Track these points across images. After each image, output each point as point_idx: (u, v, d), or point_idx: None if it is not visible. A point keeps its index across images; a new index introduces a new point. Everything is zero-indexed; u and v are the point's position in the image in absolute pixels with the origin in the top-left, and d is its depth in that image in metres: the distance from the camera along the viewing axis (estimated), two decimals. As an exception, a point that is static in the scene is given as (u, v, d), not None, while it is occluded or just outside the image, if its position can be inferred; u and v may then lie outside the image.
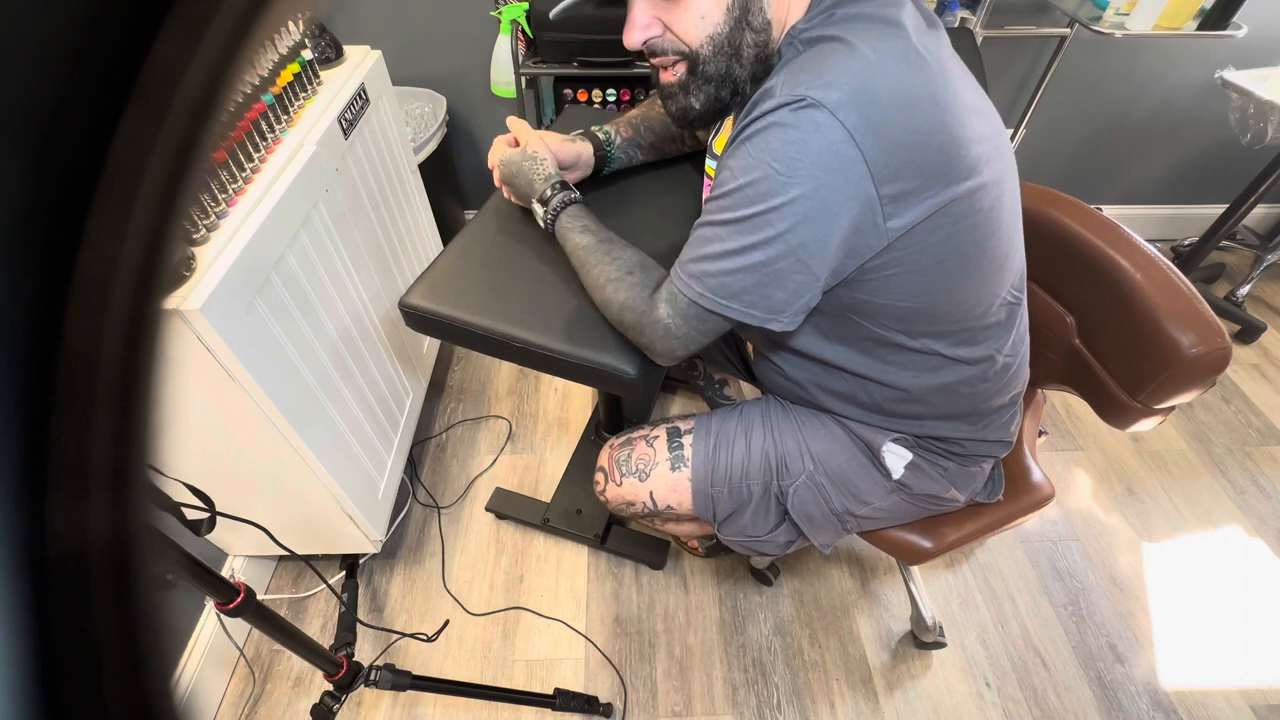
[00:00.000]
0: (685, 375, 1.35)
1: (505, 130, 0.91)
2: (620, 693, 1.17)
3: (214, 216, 0.82)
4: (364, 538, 1.17)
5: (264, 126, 0.94)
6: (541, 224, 0.83)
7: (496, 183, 0.91)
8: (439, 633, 1.22)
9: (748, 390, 1.39)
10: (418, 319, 0.83)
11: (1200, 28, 1.50)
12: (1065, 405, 1.67)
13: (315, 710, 0.89)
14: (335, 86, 1.10)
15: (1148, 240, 0.82)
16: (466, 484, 1.49)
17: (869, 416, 0.80)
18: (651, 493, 0.89)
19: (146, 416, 0.12)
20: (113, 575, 0.11)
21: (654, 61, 0.65)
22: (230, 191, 0.85)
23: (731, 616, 1.27)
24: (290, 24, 1.03)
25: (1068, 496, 1.48)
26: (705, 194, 0.82)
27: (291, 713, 1.14)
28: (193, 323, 0.72)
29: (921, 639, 1.20)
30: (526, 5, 1.48)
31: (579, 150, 0.90)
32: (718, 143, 0.78)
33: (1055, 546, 1.38)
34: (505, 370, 1.75)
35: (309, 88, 1.07)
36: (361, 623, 1.08)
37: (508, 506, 1.41)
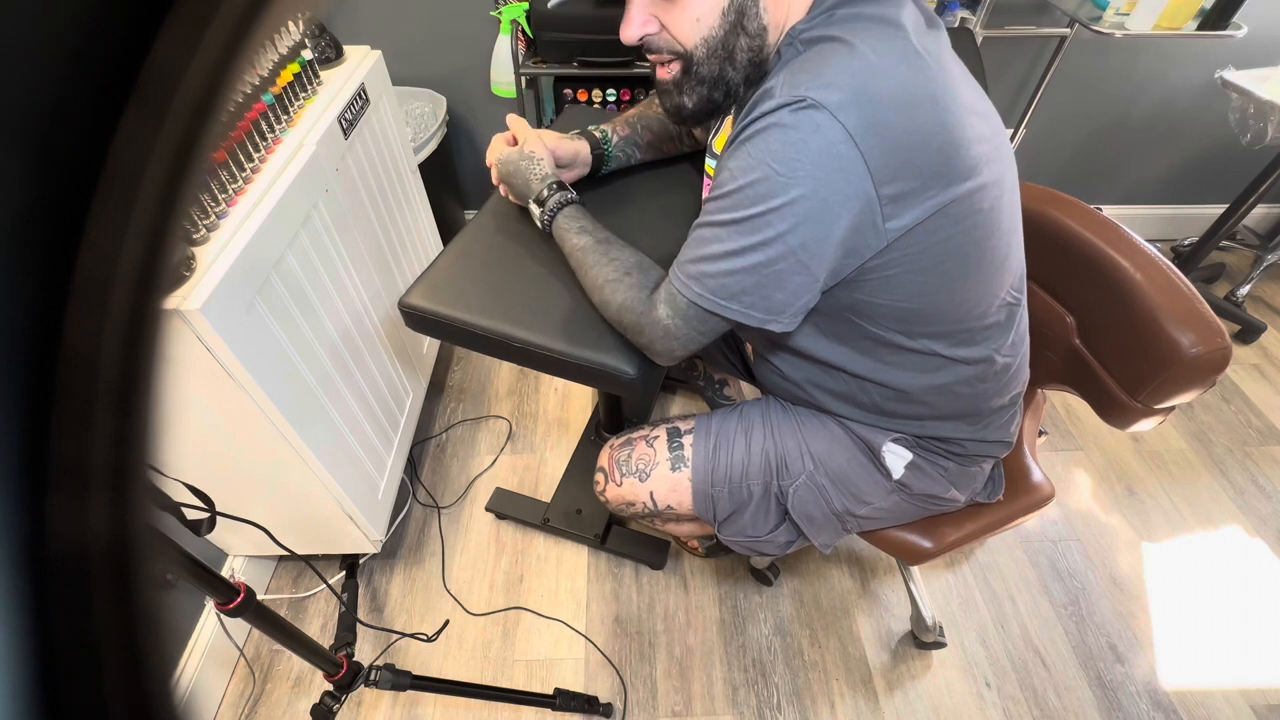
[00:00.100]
0: (685, 375, 1.35)
1: (505, 130, 0.91)
2: (620, 693, 1.17)
3: (214, 216, 0.82)
4: (364, 538, 1.17)
5: (264, 126, 0.94)
6: (539, 224, 0.83)
7: (494, 181, 0.91)
8: (439, 633, 1.22)
9: (748, 390, 1.39)
10: (418, 319, 0.83)
11: (1200, 28, 1.50)
12: (1065, 405, 1.67)
13: (315, 710, 0.89)
14: (335, 86, 1.10)
15: (1148, 240, 0.82)
16: (466, 484, 1.49)
17: (868, 417, 0.80)
18: (652, 493, 0.89)
19: (146, 416, 0.12)
20: (113, 575, 0.11)
21: (650, 58, 0.66)
22: (230, 191, 0.85)
23: (731, 616, 1.27)
24: (290, 24, 1.03)
25: (1068, 496, 1.48)
26: (705, 193, 0.82)
27: (291, 713, 1.14)
28: (193, 323, 0.72)
29: (921, 639, 1.20)
30: (526, 5, 1.48)
31: (577, 148, 0.90)
32: (717, 142, 0.78)
33: (1055, 546, 1.38)
34: (505, 370, 1.75)
35: (309, 88, 1.07)
36: (361, 623, 1.08)
37: (508, 506, 1.41)
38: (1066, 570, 1.34)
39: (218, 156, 0.84)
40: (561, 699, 1.09)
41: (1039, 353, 0.91)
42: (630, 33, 0.63)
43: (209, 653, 1.13)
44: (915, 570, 1.20)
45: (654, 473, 0.88)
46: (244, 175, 0.88)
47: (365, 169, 1.18)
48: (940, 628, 1.18)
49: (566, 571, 1.34)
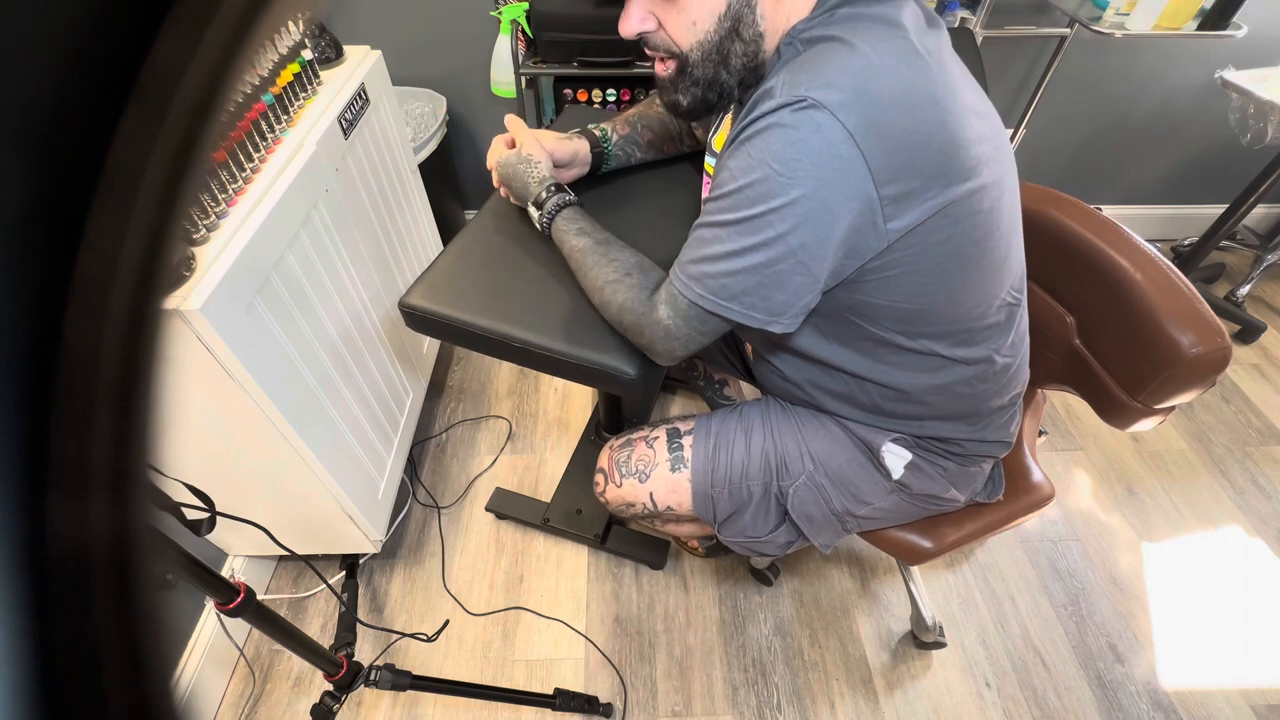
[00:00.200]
0: (685, 375, 1.35)
1: (505, 130, 0.91)
2: (620, 693, 1.17)
3: (214, 216, 0.82)
4: (364, 538, 1.17)
5: (264, 126, 0.94)
6: (538, 227, 0.83)
7: (495, 184, 0.91)
8: (439, 633, 1.22)
9: (748, 390, 1.39)
10: (418, 319, 0.83)
11: (1200, 28, 1.50)
12: (1065, 405, 1.67)
13: (315, 710, 0.89)
14: (335, 86, 1.10)
15: (1148, 240, 0.82)
16: (466, 484, 1.49)
17: (868, 417, 0.80)
18: (651, 494, 0.89)
19: (146, 416, 0.12)
20: (113, 575, 0.11)
21: (648, 52, 0.66)
22: (230, 191, 0.85)
23: (731, 616, 1.27)
24: (290, 24, 1.03)
25: (1068, 496, 1.48)
26: (705, 192, 0.82)
27: (291, 713, 1.14)
28: (193, 323, 0.72)
29: (921, 639, 1.20)
30: (526, 5, 1.48)
31: (576, 148, 0.90)
32: (717, 140, 0.78)
33: (1055, 546, 1.38)
34: (505, 370, 1.75)
35: (309, 88, 1.07)
36: (361, 623, 1.08)
37: (508, 506, 1.41)
38: (1066, 570, 1.34)
39: (218, 156, 0.84)
40: (561, 699, 1.09)
41: (1039, 353, 0.91)
42: (628, 27, 0.63)
43: (209, 653, 1.13)
44: (915, 570, 1.20)
45: (654, 474, 0.88)
46: (244, 175, 0.88)
47: (365, 169, 1.18)
48: (940, 628, 1.18)
49: (566, 571, 1.34)
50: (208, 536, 0.66)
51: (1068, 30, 1.63)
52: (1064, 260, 0.87)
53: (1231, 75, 1.60)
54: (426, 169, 1.55)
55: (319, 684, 0.98)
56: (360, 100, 1.14)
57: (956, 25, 1.58)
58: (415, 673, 0.95)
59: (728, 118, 0.77)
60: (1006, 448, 0.85)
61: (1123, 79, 1.81)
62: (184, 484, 0.63)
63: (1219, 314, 0.79)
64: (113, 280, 0.11)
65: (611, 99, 1.64)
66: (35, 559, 0.10)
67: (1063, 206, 0.88)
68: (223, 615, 0.71)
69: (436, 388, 1.68)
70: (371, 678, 0.91)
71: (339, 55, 1.18)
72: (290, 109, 1.01)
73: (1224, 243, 1.94)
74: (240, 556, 1.25)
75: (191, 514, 0.63)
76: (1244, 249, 2.05)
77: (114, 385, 0.11)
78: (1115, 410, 0.86)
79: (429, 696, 1.15)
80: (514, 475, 1.51)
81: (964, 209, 0.59)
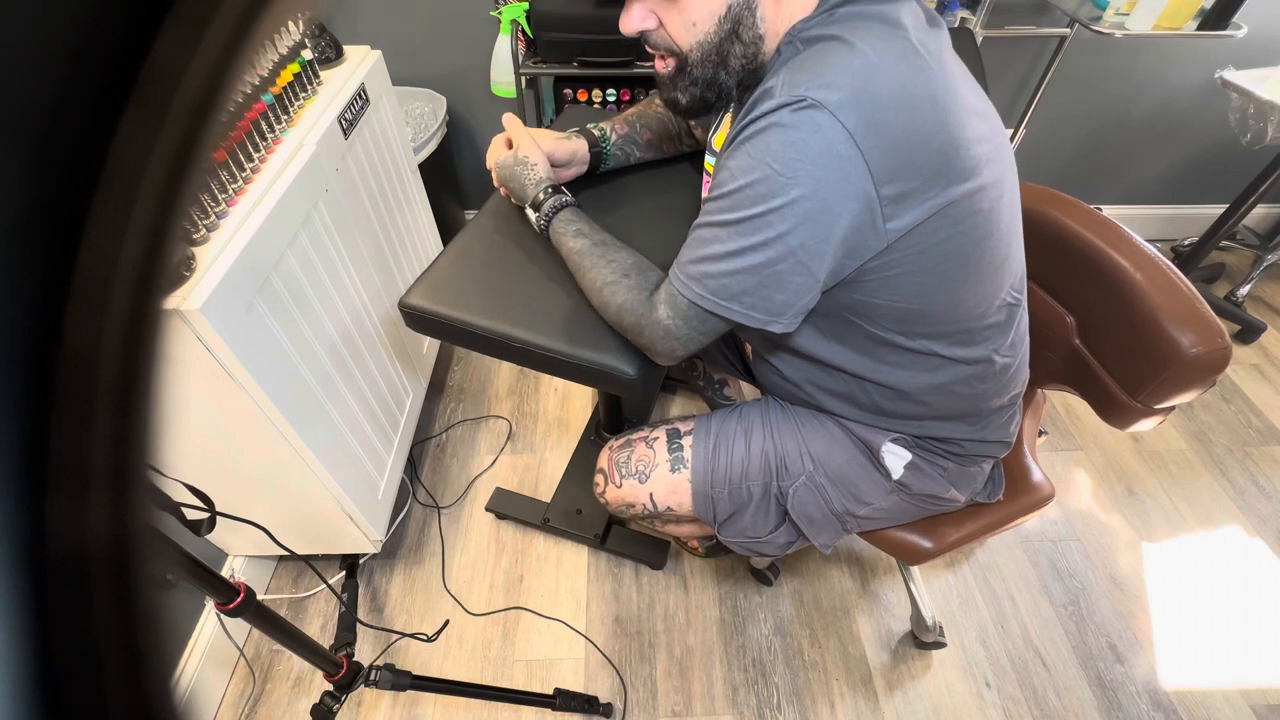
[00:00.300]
0: (685, 375, 1.35)
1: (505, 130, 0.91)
2: (620, 693, 1.17)
3: (214, 216, 0.82)
4: (364, 538, 1.17)
5: (264, 126, 0.94)
6: (536, 228, 0.83)
7: (495, 184, 0.91)
8: (439, 633, 1.22)
9: (748, 390, 1.39)
10: (418, 319, 0.83)
11: (1200, 28, 1.50)
12: (1065, 405, 1.67)
13: (315, 710, 0.89)
14: (335, 86, 1.10)
15: (1148, 240, 0.82)
16: (466, 484, 1.49)
17: (868, 417, 0.80)
18: (651, 494, 0.89)
19: (146, 416, 0.12)
20: (113, 575, 0.11)
21: (648, 49, 0.66)
22: (230, 191, 0.85)
23: (731, 616, 1.27)
24: (290, 24, 1.03)
25: (1068, 496, 1.48)
26: (704, 192, 0.82)
27: (291, 713, 1.14)
28: (193, 323, 0.72)
29: (921, 639, 1.20)
30: (526, 5, 1.48)
31: (574, 148, 0.90)
32: (717, 139, 0.78)
33: (1055, 546, 1.38)
34: (505, 370, 1.75)
35: (309, 88, 1.07)
36: (361, 623, 1.08)
37: (508, 506, 1.41)
38: (1066, 570, 1.34)
39: (218, 156, 0.84)
40: (561, 699, 1.09)
41: (1039, 353, 0.91)
42: (629, 24, 0.63)
43: (209, 653, 1.13)
44: (915, 570, 1.20)
45: (653, 474, 0.88)
46: (244, 175, 0.88)
47: (365, 169, 1.18)
48: (940, 628, 1.18)
49: (566, 571, 1.34)
50: (208, 536, 0.66)
51: (1068, 30, 1.63)
52: (1064, 260, 0.87)
53: (1231, 75, 1.60)
54: (426, 169, 1.55)
55: (319, 684, 0.98)
56: (360, 100, 1.14)
57: (956, 25, 1.58)
58: (415, 673, 0.95)
59: (728, 117, 0.77)
60: (1006, 448, 0.85)
61: (1123, 79, 1.81)
62: (184, 484, 0.63)
63: (1219, 314, 0.79)
64: (113, 280, 0.11)
65: (611, 99, 1.64)
66: (35, 559, 0.10)
67: (1063, 206, 0.88)
68: (223, 615, 0.71)
69: (436, 388, 1.68)
70: (371, 678, 0.91)
71: (339, 55, 1.18)
72: (290, 109, 1.01)
73: (1224, 243, 1.94)
74: (240, 556, 1.25)
75: (191, 514, 0.63)
76: (1244, 249, 2.05)
77: (114, 385, 0.11)
78: (1115, 410, 0.86)
79: (429, 696, 1.15)
80: (514, 475, 1.51)
81: (964, 209, 0.59)
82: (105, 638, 0.11)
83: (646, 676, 1.19)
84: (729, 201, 0.59)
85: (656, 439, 0.90)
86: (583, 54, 1.50)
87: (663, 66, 0.66)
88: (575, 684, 1.18)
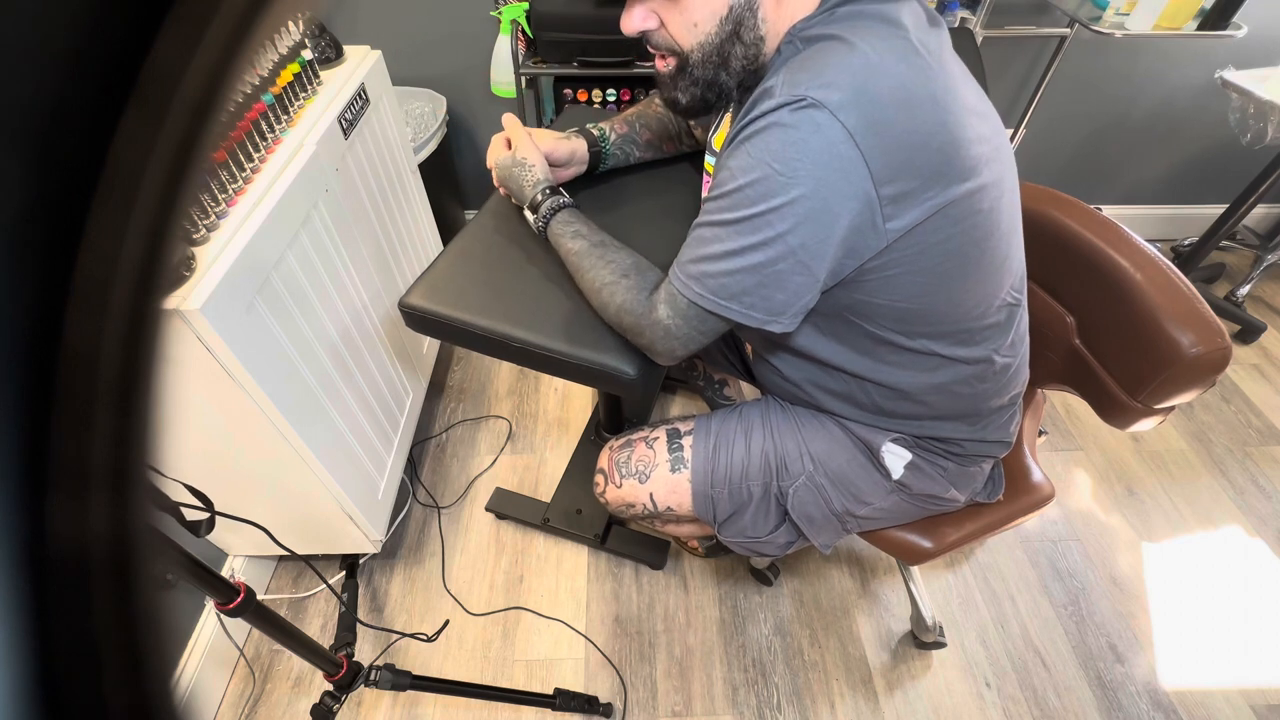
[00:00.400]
0: (685, 375, 1.35)
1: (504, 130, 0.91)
2: (620, 693, 1.17)
3: (214, 216, 0.82)
4: (364, 538, 1.17)
5: (264, 126, 0.94)
6: (534, 229, 0.83)
7: (495, 184, 0.91)
8: (439, 633, 1.22)
9: (748, 390, 1.39)
10: (418, 319, 0.83)
11: (1200, 28, 1.50)
12: (1065, 405, 1.67)
13: (315, 710, 0.89)
14: (335, 86, 1.10)
15: (1148, 240, 0.82)
16: (466, 484, 1.49)
17: (868, 416, 0.80)
18: (651, 494, 0.89)
19: (146, 416, 0.12)
20: (113, 575, 0.11)
21: (649, 48, 0.66)
22: (230, 191, 0.85)
23: (731, 616, 1.27)
24: (290, 24, 1.03)
25: (1068, 496, 1.48)
26: (704, 191, 0.82)
27: (291, 713, 1.14)
28: (193, 323, 0.72)
29: (921, 639, 1.20)
30: (526, 5, 1.48)
31: (573, 147, 0.90)
32: (717, 139, 0.78)
33: (1055, 546, 1.38)
34: (505, 370, 1.75)
35: (309, 88, 1.07)
36: (361, 623, 1.08)
37: (508, 506, 1.41)
38: (1066, 570, 1.34)
39: (218, 156, 0.84)
40: (561, 699, 1.09)
41: (1039, 353, 0.91)
42: (630, 25, 0.63)
43: (209, 653, 1.13)
44: (915, 570, 1.20)
45: (654, 474, 0.88)
46: (244, 175, 0.88)
47: (365, 169, 1.18)
48: (940, 628, 1.18)
49: (566, 571, 1.34)
50: (208, 537, 0.66)
51: (1068, 30, 1.63)
52: (1064, 260, 0.87)
53: (1231, 75, 1.60)
54: (426, 169, 1.55)
55: (319, 684, 0.98)
56: (360, 100, 1.14)
57: (956, 25, 1.58)
58: (415, 673, 0.95)
59: (728, 116, 0.77)
60: (1006, 448, 0.85)
61: (1123, 79, 1.81)
62: (183, 484, 0.63)
63: (1219, 314, 0.79)
64: (113, 280, 0.11)
65: (611, 99, 1.64)
66: (35, 559, 0.10)
67: (1063, 206, 0.88)
68: (223, 615, 0.71)
69: (436, 388, 1.68)
70: (371, 678, 0.91)
71: (339, 55, 1.18)
72: (290, 109, 1.01)
73: (1224, 243, 1.94)
74: (240, 556, 1.25)
75: (191, 515, 0.63)
76: (1244, 249, 2.05)
77: (114, 385, 0.11)
78: (1115, 410, 0.86)
79: (429, 696, 1.15)
80: (514, 475, 1.51)
81: (964, 209, 0.59)
82: (105, 638, 0.11)
83: (646, 676, 1.19)
84: (729, 201, 0.59)
85: (656, 439, 0.90)
86: (583, 54, 1.50)
87: (663, 66, 0.66)
88: (575, 684, 1.18)
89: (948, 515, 0.93)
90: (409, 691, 0.95)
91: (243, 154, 0.89)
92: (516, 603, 1.29)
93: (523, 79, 1.57)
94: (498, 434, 1.60)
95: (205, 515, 0.64)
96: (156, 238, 0.12)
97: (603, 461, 0.93)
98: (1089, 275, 0.84)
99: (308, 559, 0.90)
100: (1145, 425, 0.85)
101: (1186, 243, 2.05)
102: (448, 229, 1.70)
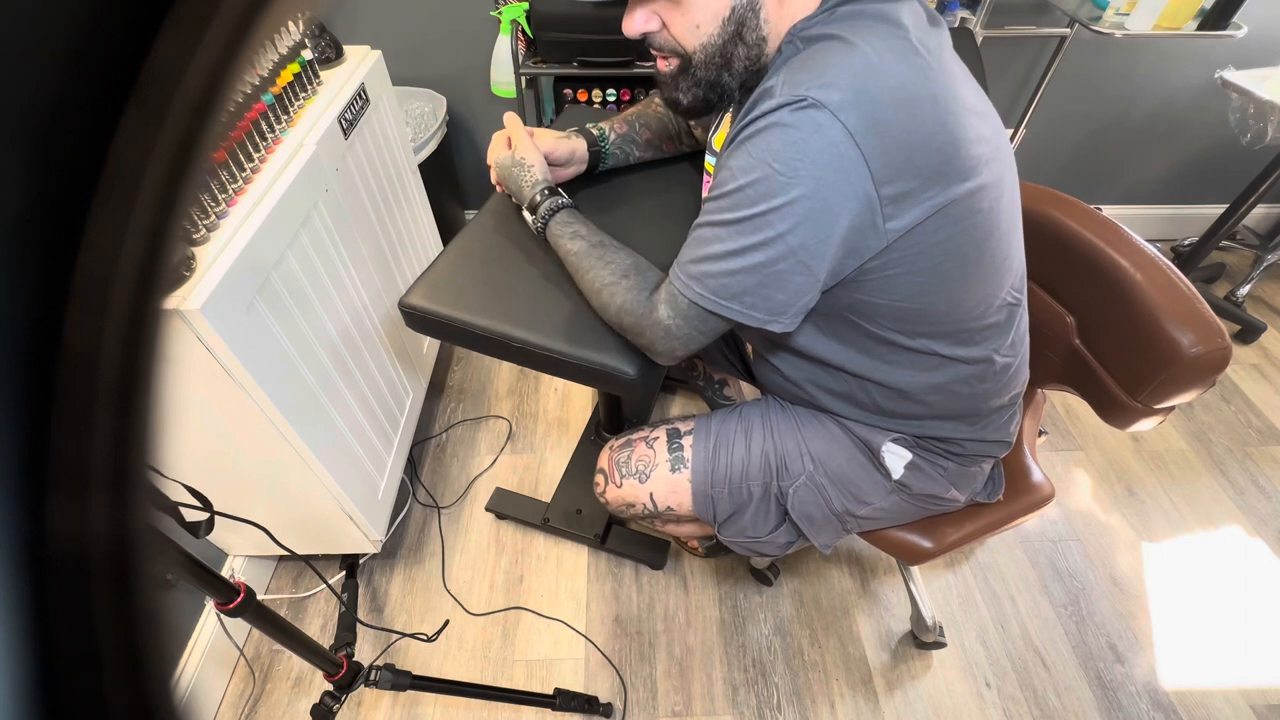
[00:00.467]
0: (685, 375, 1.35)
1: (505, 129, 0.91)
2: (620, 693, 1.17)
3: (214, 216, 0.82)
4: (364, 538, 1.17)
5: (264, 126, 0.94)
6: (533, 230, 0.83)
7: (493, 181, 0.91)
8: (439, 633, 1.22)
9: (748, 390, 1.39)
10: (418, 319, 0.83)
11: (1200, 28, 1.50)
12: (1065, 405, 1.67)
13: (315, 710, 0.89)
14: (335, 86, 1.10)
15: (1148, 240, 0.82)
16: (466, 484, 1.49)
17: (868, 416, 0.80)
18: (651, 494, 0.89)
19: (146, 416, 0.12)
20: (113, 575, 0.11)
21: (651, 49, 0.66)
22: (230, 191, 0.85)
23: (731, 616, 1.27)
24: (290, 24, 1.03)
25: (1068, 496, 1.48)
26: (704, 191, 0.82)
27: (291, 713, 1.14)
28: (193, 323, 0.72)
29: (921, 639, 1.20)
30: (526, 5, 1.48)
31: (573, 147, 0.90)
32: (717, 139, 0.78)
33: (1055, 546, 1.38)
34: (505, 370, 1.75)
35: (309, 88, 1.07)
36: (361, 623, 1.08)
37: (508, 506, 1.41)
38: (1066, 570, 1.34)
39: (218, 156, 0.84)
40: (561, 699, 1.09)
41: (1039, 353, 0.91)
42: (632, 27, 0.63)
43: (209, 653, 1.13)
44: (915, 570, 1.20)
45: (654, 474, 0.88)
46: (244, 175, 0.88)
47: (365, 169, 1.18)
48: (940, 628, 1.18)
49: (566, 571, 1.34)
50: (208, 537, 0.66)
51: (1068, 30, 1.63)
52: (1064, 260, 0.87)
53: (1231, 75, 1.60)
54: (426, 169, 1.55)
55: (319, 684, 0.98)
56: (360, 100, 1.14)
57: (956, 25, 1.58)
58: (415, 673, 0.95)
59: (728, 116, 0.77)
60: (1006, 448, 0.85)
61: (1123, 79, 1.81)
62: (183, 485, 0.63)
63: (1219, 314, 0.79)
64: (113, 280, 0.11)
65: (611, 99, 1.64)
66: (35, 559, 0.10)
67: (1063, 206, 0.87)
68: (223, 615, 0.71)
69: (436, 388, 1.68)
70: (371, 678, 0.91)
71: (339, 55, 1.18)
72: (290, 109, 1.01)
73: (1224, 243, 1.94)
74: (240, 556, 1.25)
75: (190, 515, 0.63)
76: (1244, 249, 2.05)
77: (114, 385, 0.11)
78: (1115, 410, 0.86)
79: (429, 696, 1.15)
80: (514, 475, 1.51)
81: (964, 209, 0.59)
82: (105, 638, 0.11)
83: (646, 676, 1.19)
84: (729, 201, 0.59)
85: (656, 439, 0.90)
86: (583, 54, 1.50)
87: (665, 66, 0.66)
88: (575, 684, 1.18)
89: (948, 515, 0.93)
90: (409, 691, 0.95)
91: (243, 154, 0.89)
92: (516, 603, 1.29)
93: (523, 79, 1.57)
94: (498, 434, 1.60)
95: (205, 516, 0.64)
96: (156, 238, 0.12)
97: (603, 461, 0.93)
98: (1089, 275, 0.84)
99: (308, 559, 0.90)
100: (1145, 425, 0.85)
101: (1186, 243, 2.05)
102: (448, 229, 1.70)
